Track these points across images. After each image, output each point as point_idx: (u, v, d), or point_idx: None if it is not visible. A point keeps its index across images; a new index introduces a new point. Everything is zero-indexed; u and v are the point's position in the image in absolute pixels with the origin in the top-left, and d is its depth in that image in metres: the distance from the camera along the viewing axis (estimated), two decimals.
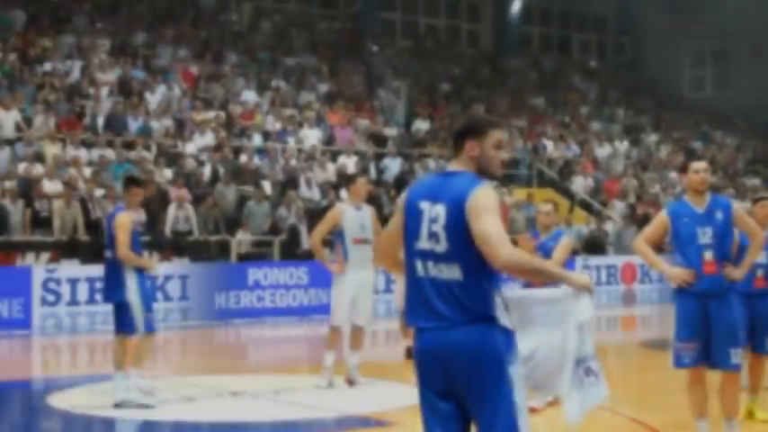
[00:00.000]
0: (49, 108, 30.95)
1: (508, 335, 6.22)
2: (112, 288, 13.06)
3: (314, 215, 26.67)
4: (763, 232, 10.68)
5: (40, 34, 35.26)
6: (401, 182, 33.36)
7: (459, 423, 6.25)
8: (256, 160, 32.48)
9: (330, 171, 32.92)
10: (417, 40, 48.31)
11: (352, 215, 14.71)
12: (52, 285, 24.64)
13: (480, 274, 6.17)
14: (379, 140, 36.71)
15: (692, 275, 9.85)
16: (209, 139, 32.58)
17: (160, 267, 26.17)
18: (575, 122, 44.73)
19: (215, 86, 36.49)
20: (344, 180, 25.36)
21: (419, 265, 6.29)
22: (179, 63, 36.98)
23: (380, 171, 34.54)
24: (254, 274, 26.64)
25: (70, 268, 25.30)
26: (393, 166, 34.87)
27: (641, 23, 53.52)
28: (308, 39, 43.24)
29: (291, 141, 34.57)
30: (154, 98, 33.92)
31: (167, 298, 25.82)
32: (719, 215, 9.99)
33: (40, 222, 26.51)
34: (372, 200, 24.92)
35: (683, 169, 10.47)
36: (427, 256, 6.24)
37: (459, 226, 6.13)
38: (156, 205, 27.97)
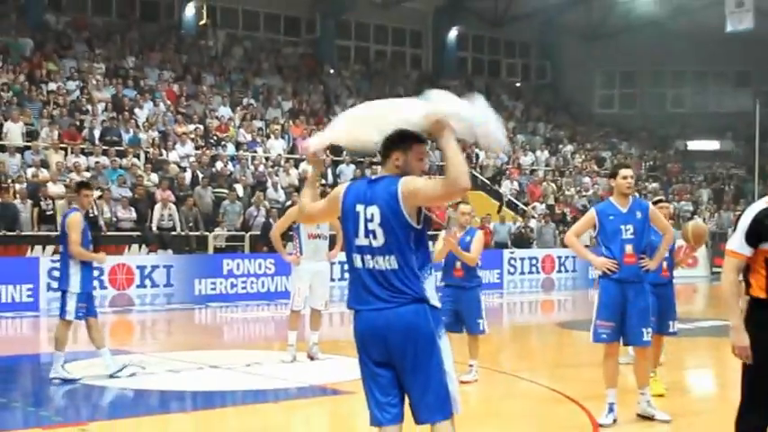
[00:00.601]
0: (53, 122, 30.90)
1: (436, 312, 6.42)
2: (62, 278, 13.26)
3: (280, 214, 26.81)
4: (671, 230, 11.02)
5: (46, 59, 35.16)
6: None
7: (396, 388, 6.42)
8: (230, 167, 32.51)
9: (293, 176, 32.99)
10: (368, 63, 48.34)
11: None
12: (56, 273, 24.54)
13: (412, 262, 6.36)
14: (335, 150, 36.71)
15: (615, 265, 10.20)
16: (189, 148, 32.58)
17: (151, 258, 26.38)
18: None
19: (194, 103, 36.46)
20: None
21: (358, 258, 6.46)
22: (164, 83, 36.92)
23: (336, 176, 34.61)
24: (229, 264, 26.75)
25: None
26: (347, 171, 34.93)
27: (559, 50, 53.60)
28: (274, 62, 43.21)
29: (260, 151, 34.62)
30: (142, 113, 33.89)
31: (154, 284, 25.89)
32: (639, 215, 10.35)
33: (46, 219, 26.51)
34: None
35: (613, 175, 10.71)
36: (365, 250, 6.41)
37: (393, 222, 6.34)
38: (144, 205, 28.02)
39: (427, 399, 6.31)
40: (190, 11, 42.63)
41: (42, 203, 26.62)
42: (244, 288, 26.45)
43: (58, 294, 24.04)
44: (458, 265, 12.45)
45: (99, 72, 35.57)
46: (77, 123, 31.78)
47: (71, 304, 13.01)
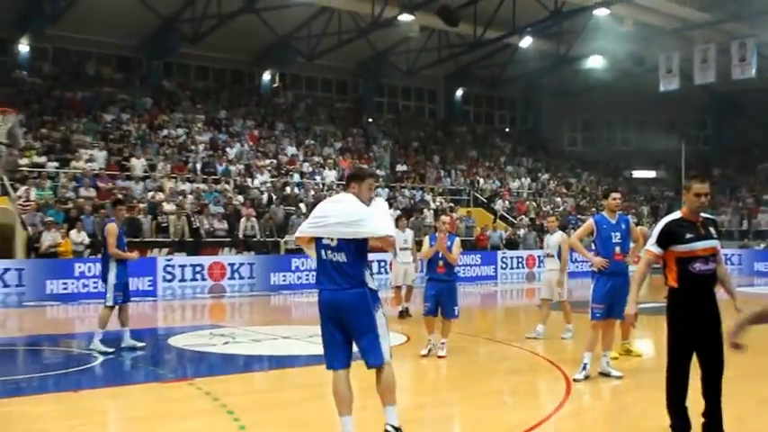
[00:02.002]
0: (167, 158, 31.08)
1: (374, 292, 7.03)
2: (104, 272, 12.97)
3: None
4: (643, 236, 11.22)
5: (161, 112, 35.34)
6: (388, 204, 33.37)
7: (346, 345, 7.07)
8: (296, 190, 32.57)
9: None
10: (397, 114, 48.31)
11: None
12: (169, 269, 24.73)
13: (357, 257, 6.94)
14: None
15: (607, 262, 10.37)
16: (266, 177, 32.65)
17: (238, 257, 26.33)
18: (496, 166, 44.79)
19: (269, 144, 36.55)
20: None
21: (323, 252, 7.00)
22: (247, 129, 37.05)
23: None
24: (296, 262, 26.70)
25: (180, 258, 25.36)
26: (383, 194, 34.91)
27: (538, 104, 53.48)
28: (328, 114, 43.27)
29: (318, 178, 34.67)
30: (232, 151, 34.01)
31: (241, 277, 25.92)
32: (623, 225, 10.64)
33: (161, 229, 26.62)
34: None
35: (605, 196, 10.90)
36: (327, 247, 6.97)
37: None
38: (233, 218, 28.10)
39: (367, 350, 6.98)
40: (266, 77, 42.79)
41: (159, 218, 26.73)
42: (307, 279, 26.29)
43: (168, 284, 24.48)
44: (440, 263, 12.11)
45: (200, 121, 35.74)
46: (184, 159, 31.94)
47: (110, 293, 12.79)
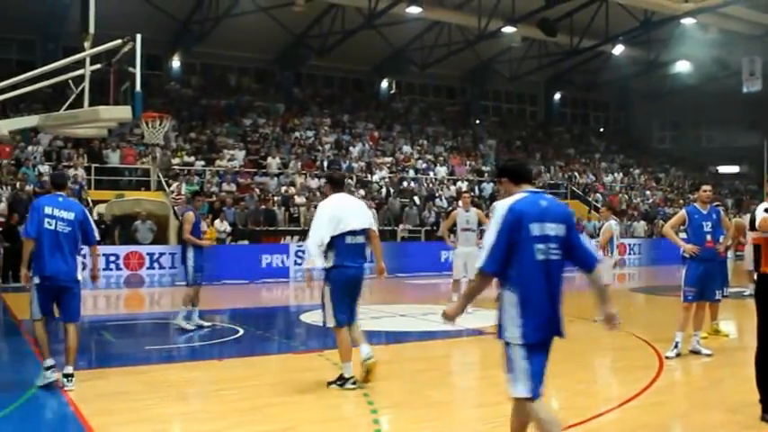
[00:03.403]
0: (298, 157, 31.44)
1: None
2: (183, 256, 12.68)
3: (445, 216, 26.63)
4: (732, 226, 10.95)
5: (292, 116, 35.82)
6: (493, 197, 33.13)
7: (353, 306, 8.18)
8: (411, 184, 32.56)
9: (452, 190, 32.86)
10: (501, 116, 47.87)
11: (462, 215, 14.67)
12: (300, 254, 24.96)
13: (366, 241, 8.17)
14: (479, 173, 36.47)
15: (698, 249, 9.98)
16: (384, 172, 32.73)
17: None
18: (591, 163, 43.97)
19: (387, 144, 36.64)
20: (459, 196, 25.28)
21: (350, 238, 7.99)
22: (368, 131, 37.22)
23: (480, 191, 34.33)
24: (410, 248, 26.71)
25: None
26: (488, 188, 34.61)
27: (630, 105, 52.42)
28: (439, 116, 43.17)
29: (431, 174, 34.58)
30: (355, 150, 34.23)
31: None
32: (714, 215, 10.23)
33: (293, 219, 26.98)
34: (476, 206, 24.81)
35: (696, 188, 10.70)
36: (356, 233, 8.05)
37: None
38: None
39: (355, 311, 8.25)
40: (384, 84, 42.97)
41: (291, 209, 27.06)
42: (422, 263, 26.25)
43: (299, 267, 24.73)
44: None
45: (326, 124, 36.08)
46: (313, 157, 32.25)
47: (191, 274, 12.55)
